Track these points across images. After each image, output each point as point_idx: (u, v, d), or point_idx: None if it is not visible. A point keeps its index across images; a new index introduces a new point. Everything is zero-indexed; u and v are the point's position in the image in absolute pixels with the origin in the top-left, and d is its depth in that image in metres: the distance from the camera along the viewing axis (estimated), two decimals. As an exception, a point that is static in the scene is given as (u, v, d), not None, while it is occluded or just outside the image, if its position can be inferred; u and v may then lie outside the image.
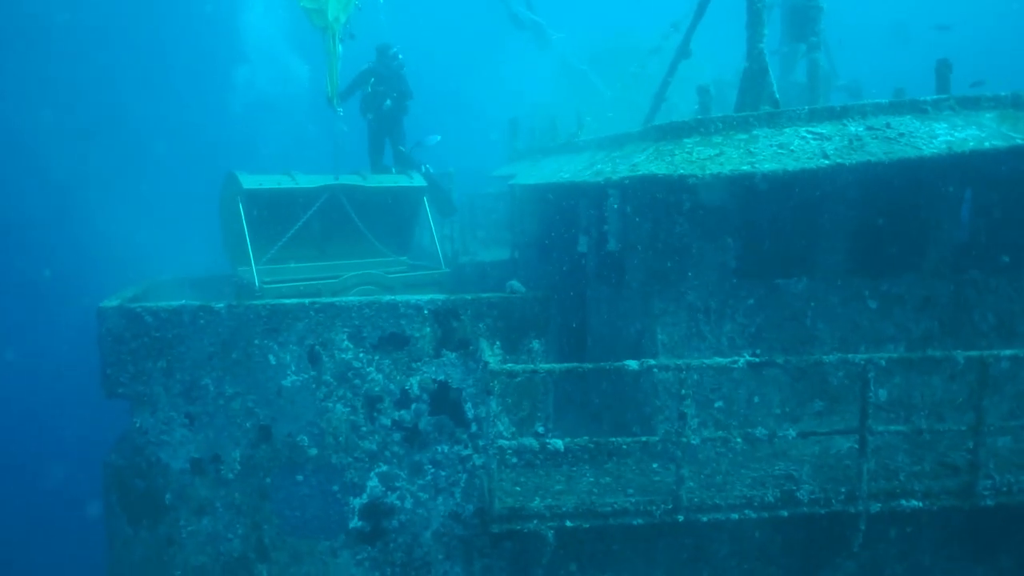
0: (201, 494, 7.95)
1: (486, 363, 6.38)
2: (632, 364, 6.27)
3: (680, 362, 6.28)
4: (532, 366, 6.24)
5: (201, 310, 7.71)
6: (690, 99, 10.33)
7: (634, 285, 7.71)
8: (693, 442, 6.41)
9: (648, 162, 6.60)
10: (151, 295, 9.99)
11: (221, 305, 7.68)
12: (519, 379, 7.24)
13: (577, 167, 8.26)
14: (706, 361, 6.32)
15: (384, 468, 7.71)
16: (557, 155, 10.05)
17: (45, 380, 19.94)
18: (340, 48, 9.89)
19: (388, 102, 11.02)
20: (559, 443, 6.37)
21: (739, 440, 6.58)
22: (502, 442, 6.31)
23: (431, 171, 11.36)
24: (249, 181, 9.50)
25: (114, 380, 7.94)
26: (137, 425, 7.99)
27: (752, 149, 6.44)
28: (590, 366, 6.27)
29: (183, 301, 7.85)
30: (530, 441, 6.37)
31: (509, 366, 6.21)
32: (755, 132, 6.68)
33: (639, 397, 7.69)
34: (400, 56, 11.15)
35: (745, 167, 6.22)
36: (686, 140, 6.72)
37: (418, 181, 10.89)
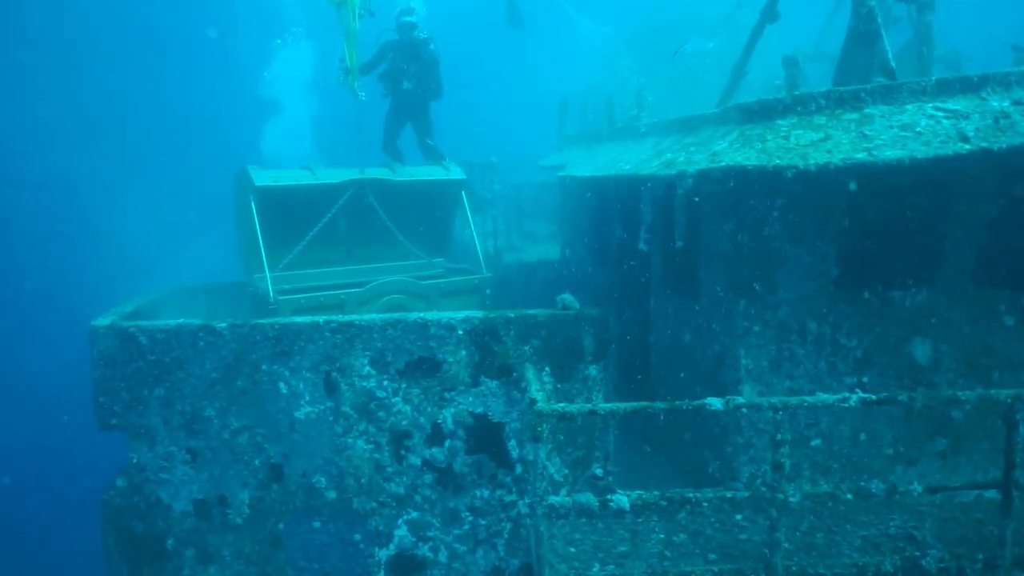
0: (207, 540, 7.06)
1: (533, 401, 5.30)
2: (715, 404, 5.13)
3: (775, 400, 5.11)
4: (590, 406, 5.13)
5: (201, 330, 6.79)
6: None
7: (712, 298, 6.54)
8: (791, 500, 5.26)
9: (732, 150, 5.42)
10: (160, 307, 9.14)
11: (223, 324, 6.74)
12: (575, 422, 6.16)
13: (640, 156, 7.11)
14: (807, 399, 5.14)
15: (414, 515, 6.70)
16: (614, 142, 8.89)
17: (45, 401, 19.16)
18: (358, 25, 8.84)
19: (406, 84, 9.93)
20: (624, 500, 5.26)
21: (849, 496, 5.39)
22: (553, 500, 5.23)
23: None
24: (262, 177, 8.55)
25: (107, 410, 7.10)
26: (134, 461, 7.13)
27: (867, 132, 5.22)
28: (662, 406, 5.13)
29: (181, 320, 6.93)
30: (588, 498, 5.27)
31: (562, 406, 5.11)
32: (869, 110, 5.45)
33: (717, 431, 6.55)
34: (419, 27, 9.98)
35: (861, 155, 5.01)
36: (780, 122, 5.53)
37: (455, 173, 9.83)
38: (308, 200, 8.94)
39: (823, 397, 5.19)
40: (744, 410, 5.18)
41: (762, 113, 5.65)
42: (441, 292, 8.86)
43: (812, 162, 5.00)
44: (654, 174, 6.18)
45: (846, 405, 5.14)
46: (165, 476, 7.07)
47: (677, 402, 5.17)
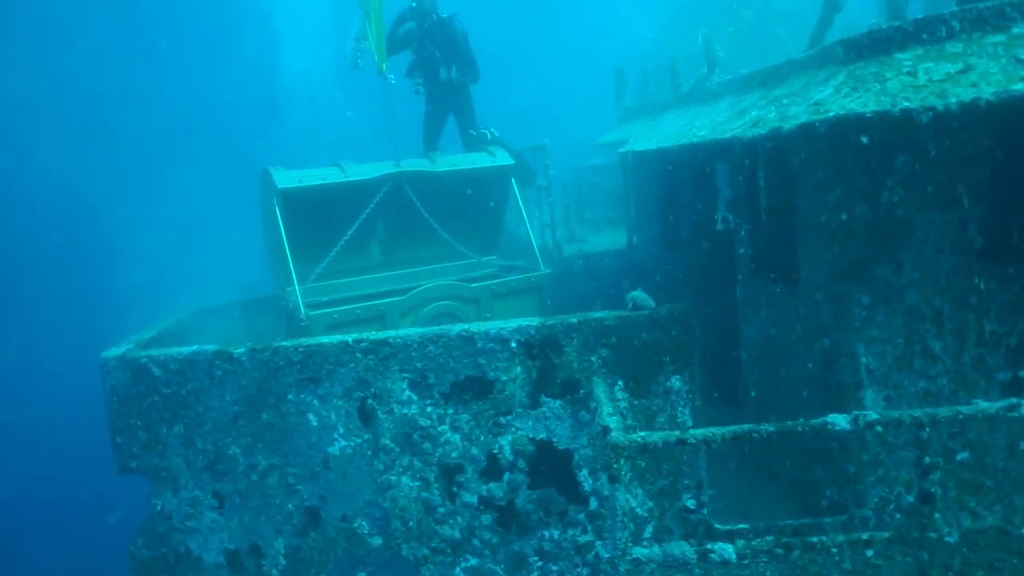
0: (242, 595, 6.28)
1: (605, 429, 4.30)
2: (839, 422, 4.04)
3: (919, 414, 4.00)
4: (677, 434, 4.09)
5: (218, 357, 5.99)
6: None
7: (817, 282, 5.41)
8: (949, 540, 4.14)
9: (840, 96, 4.29)
10: (189, 330, 8.41)
11: (241, 350, 5.92)
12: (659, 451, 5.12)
13: (716, 119, 6.00)
14: (962, 410, 4.02)
15: (473, 562, 5.76)
16: (681, 108, 7.77)
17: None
18: (381, 2, 7.94)
19: (443, 73, 8.99)
20: (729, 550, 4.22)
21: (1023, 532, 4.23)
22: (638, 552, 4.21)
23: (496, 135, 9.25)
24: (285, 179, 7.72)
25: (125, 451, 6.39)
26: (158, 508, 6.40)
27: (1022, 55, 4.04)
28: (771, 429, 4.06)
29: (195, 346, 6.15)
30: (682, 548, 4.24)
31: (642, 437, 4.08)
32: (1017, 30, 4.26)
33: (834, 446, 5.42)
34: (439, 4, 9.05)
35: (1019, 86, 3.83)
36: (900, 56, 4.37)
37: (503, 159, 8.84)
38: (339, 201, 8.08)
39: (982, 406, 4.05)
40: (878, 428, 4.08)
41: (875, 47, 4.49)
42: (493, 294, 7.90)
43: (954, 100, 3.85)
44: (737, 136, 5.08)
45: (1015, 415, 4.00)
46: (192, 524, 6.32)
47: (788, 423, 4.10)
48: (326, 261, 7.89)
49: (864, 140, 4.61)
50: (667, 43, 14.45)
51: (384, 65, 8.32)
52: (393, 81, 8.43)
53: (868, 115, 3.99)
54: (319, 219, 8.03)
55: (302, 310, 7.33)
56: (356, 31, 8.55)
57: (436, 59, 9.04)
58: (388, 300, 7.52)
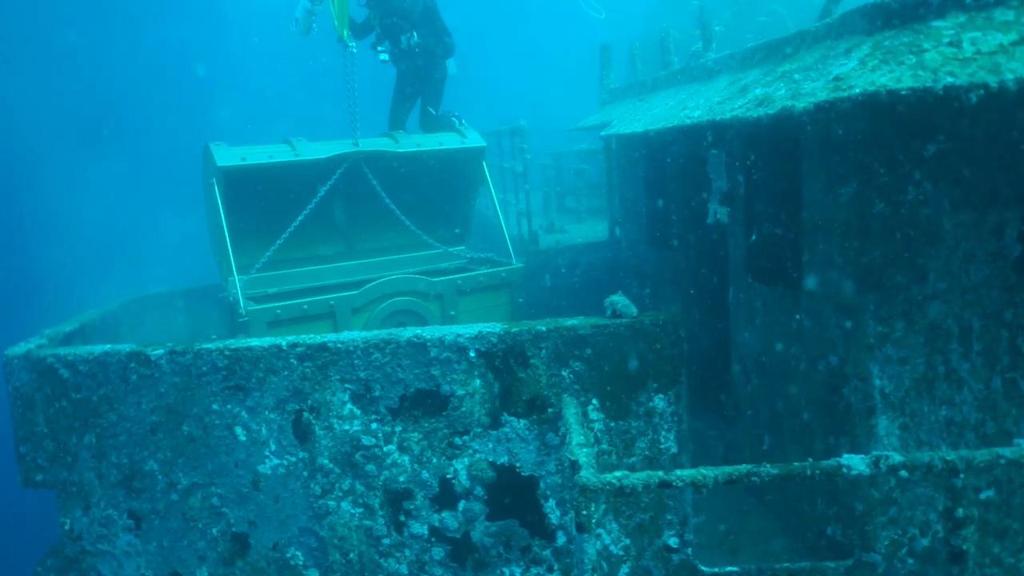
0: (162, 630, 5.55)
1: (574, 465, 3.59)
2: (856, 465, 3.37)
3: (951, 457, 3.33)
4: (660, 475, 3.38)
5: (133, 360, 5.23)
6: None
7: (824, 289, 4.72)
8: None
9: (868, 70, 3.58)
10: (121, 323, 7.64)
11: (160, 352, 5.16)
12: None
13: (713, 98, 5.28)
14: (1003, 453, 3.35)
15: (422, 601, 5.05)
16: (673, 87, 7.05)
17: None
18: None
19: (405, 41, 8.20)
20: (718, 612, 3.54)
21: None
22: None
23: (462, 123, 8.46)
24: (227, 155, 6.92)
25: (30, 462, 5.66)
26: (67, 527, 5.65)
27: (1090, 24, 3.35)
28: (773, 471, 3.37)
29: (107, 346, 5.38)
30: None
31: (616, 478, 3.38)
32: (1080, -7, 3.57)
33: (841, 482, 4.75)
34: None
35: (1090, 59, 3.14)
36: (938, 24, 3.66)
37: (473, 140, 8.09)
38: (289, 182, 7.30)
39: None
40: (903, 472, 3.40)
41: (907, 13, 3.78)
42: (458, 290, 7.17)
43: (1011, 77, 3.15)
44: (739, 117, 4.37)
45: (1067, 460, 3.33)
46: (105, 546, 5.58)
47: (794, 466, 3.41)
48: (272, 249, 7.11)
49: (896, 122, 3.91)
50: (657, 20, 13.68)
51: (345, 32, 7.53)
52: (354, 50, 7.63)
53: (904, 92, 3.28)
54: (266, 202, 7.28)
55: (241, 304, 6.56)
56: None
57: (398, 27, 8.25)
58: (339, 295, 6.75)
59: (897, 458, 3.35)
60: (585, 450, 3.72)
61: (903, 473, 3.36)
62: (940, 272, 4.27)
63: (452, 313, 7.17)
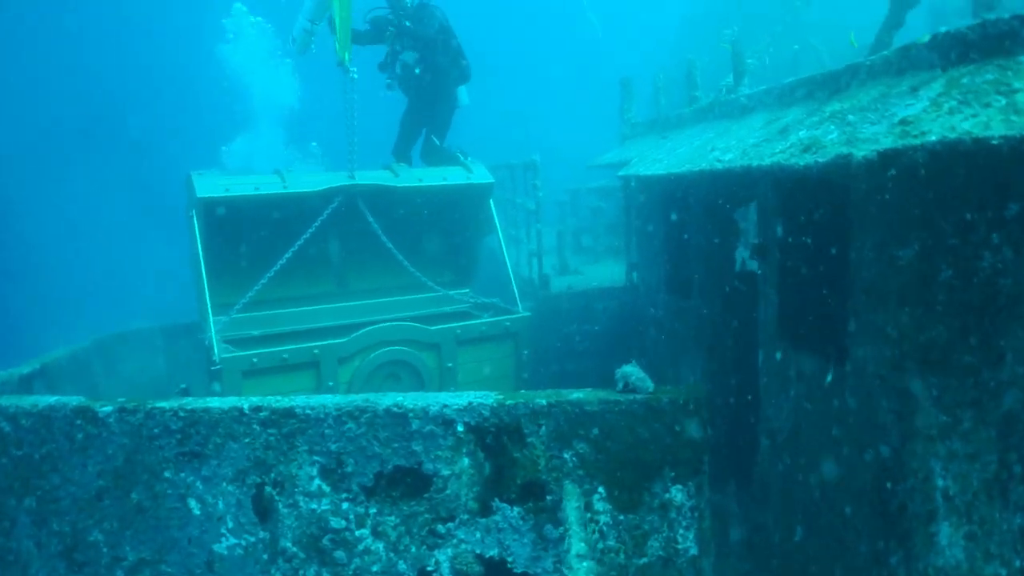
0: None
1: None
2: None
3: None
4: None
5: (80, 416, 4.62)
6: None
7: (875, 367, 4.05)
8: None
9: (943, 112, 2.95)
10: (92, 363, 7.07)
11: (108, 408, 4.55)
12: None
13: (747, 139, 4.66)
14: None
15: None
16: (700, 124, 6.44)
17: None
18: None
19: (418, 68, 7.71)
20: None
21: None
22: None
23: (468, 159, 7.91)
24: (208, 186, 6.37)
25: (-36, 525, 5.02)
26: (1, 600, 5.03)
27: None
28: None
29: (53, 399, 4.79)
30: None
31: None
32: None
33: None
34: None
35: None
36: (1028, 58, 3.03)
37: (480, 175, 7.51)
38: (278, 216, 6.74)
39: None
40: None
41: (991, 45, 3.15)
42: (457, 340, 6.54)
43: None
44: (780, 164, 3.74)
45: None
46: (43, 626, 4.94)
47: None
48: (255, 288, 6.51)
49: (965, 177, 3.26)
50: (682, 51, 13.12)
51: (347, 55, 7.01)
52: (355, 76, 7.09)
53: (995, 141, 2.64)
54: (253, 236, 6.69)
55: (215, 350, 5.96)
56: (310, 10, 7.24)
57: (409, 52, 7.74)
58: (324, 343, 6.13)
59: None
60: (586, 564, 3.06)
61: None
62: (1020, 354, 3.59)
63: (449, 365, 6.54)
